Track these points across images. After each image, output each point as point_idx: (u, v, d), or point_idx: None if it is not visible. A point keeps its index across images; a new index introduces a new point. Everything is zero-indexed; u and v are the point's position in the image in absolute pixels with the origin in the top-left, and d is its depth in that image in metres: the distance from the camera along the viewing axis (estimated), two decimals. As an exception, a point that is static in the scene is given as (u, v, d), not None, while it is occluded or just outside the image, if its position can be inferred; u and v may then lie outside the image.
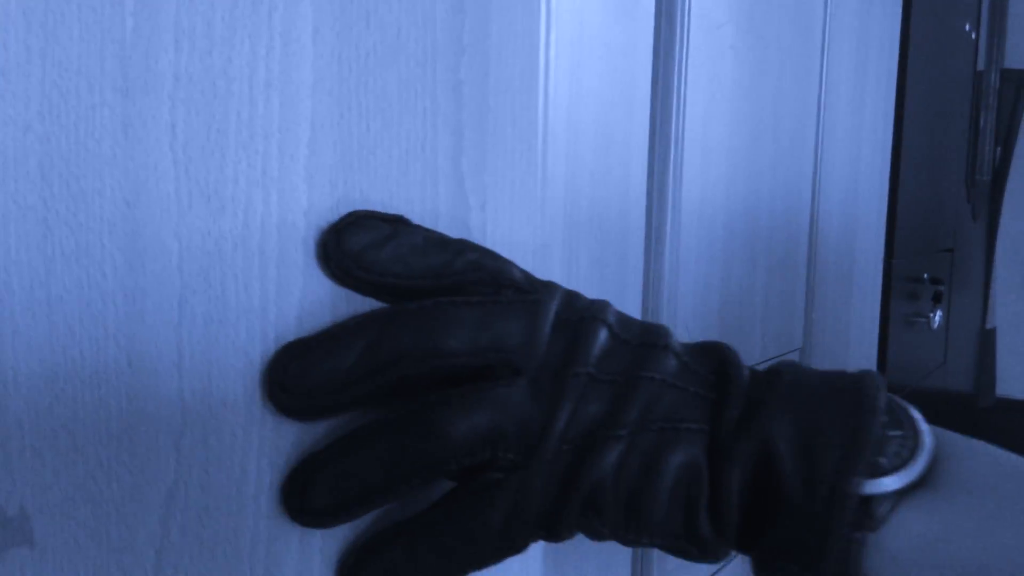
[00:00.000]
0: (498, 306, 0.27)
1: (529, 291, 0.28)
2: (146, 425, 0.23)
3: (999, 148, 1.62)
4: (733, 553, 0.29)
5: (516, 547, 0.27)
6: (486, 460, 0.26)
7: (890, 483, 0.26)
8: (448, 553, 0.26)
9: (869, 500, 0.26)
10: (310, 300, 0.25)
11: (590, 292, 0.30)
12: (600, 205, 0.50)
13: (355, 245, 0.26)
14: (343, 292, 0.26)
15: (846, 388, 0.27)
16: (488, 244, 0.30)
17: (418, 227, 0.28)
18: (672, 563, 0.62)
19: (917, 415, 0.28)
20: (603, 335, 0.28)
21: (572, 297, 0.29)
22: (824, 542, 0.26)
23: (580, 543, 0.33)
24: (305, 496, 0.25)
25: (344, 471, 0.25)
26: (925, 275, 1.26)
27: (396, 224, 0.27)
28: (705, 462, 0.27)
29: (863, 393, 0.27)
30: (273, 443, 0.25)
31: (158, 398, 0.23)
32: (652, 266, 0.55)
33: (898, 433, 0.27)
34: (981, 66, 1.51)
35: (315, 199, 0.25)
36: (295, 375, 0.25)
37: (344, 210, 0.26)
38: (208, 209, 0.23)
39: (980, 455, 0.28)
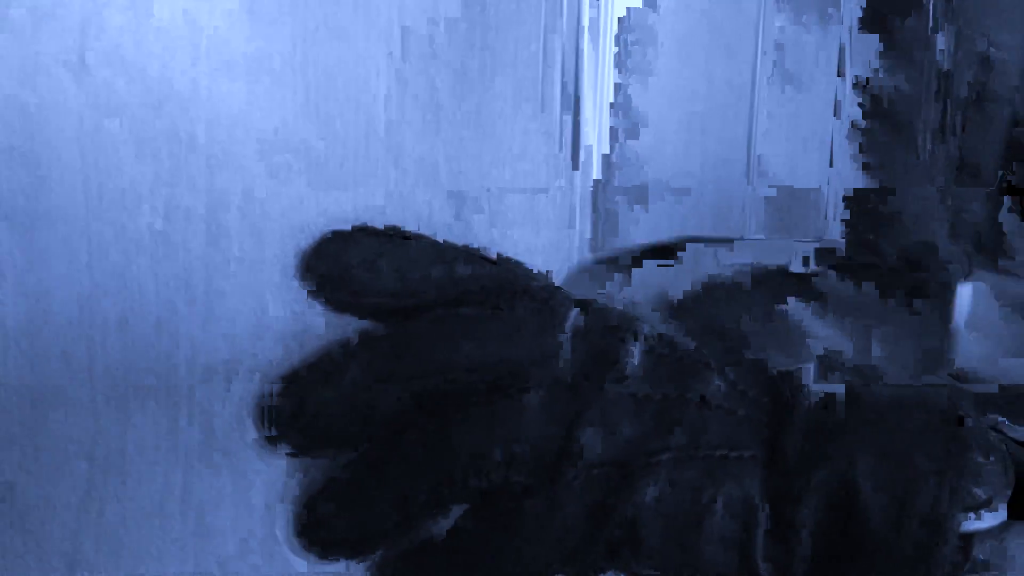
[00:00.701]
0: (506, 317, 0.25)
1: (546, 299, 0.26)
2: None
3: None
4: None
5: None
6: (496, 485, 0.24)
7: (989, 518, 0.25)
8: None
9: (970, 538, 0.25)
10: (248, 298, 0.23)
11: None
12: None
13: (336, 267, 0.24)
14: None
15: (928, 406, 0.26)
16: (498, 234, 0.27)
17: (415, 236, 0.25)
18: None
19: (995, 435, 0.26)
20: (636, 348, 0.26)
21: (600, 306, 0.27)
22: None
23: None
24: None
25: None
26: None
27: (388, 236, 0.25)
28: (762, 498, 0.25)
29: (951, 412, 0.25)
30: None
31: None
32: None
33: (989, 463, 0.25)
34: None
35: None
36: (289, 410, 0.23)
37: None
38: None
39: None
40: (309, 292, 0.23)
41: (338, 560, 0.25)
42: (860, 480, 0.24)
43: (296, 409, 0.23)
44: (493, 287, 0.26)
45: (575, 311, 0.25)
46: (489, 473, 0.24)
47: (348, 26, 0.24)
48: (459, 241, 0.27)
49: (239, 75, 0.24)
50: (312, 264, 0.23)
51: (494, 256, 0.26)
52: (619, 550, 0.25)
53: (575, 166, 0.31)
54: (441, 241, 0.26)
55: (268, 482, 0.26)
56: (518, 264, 0.26)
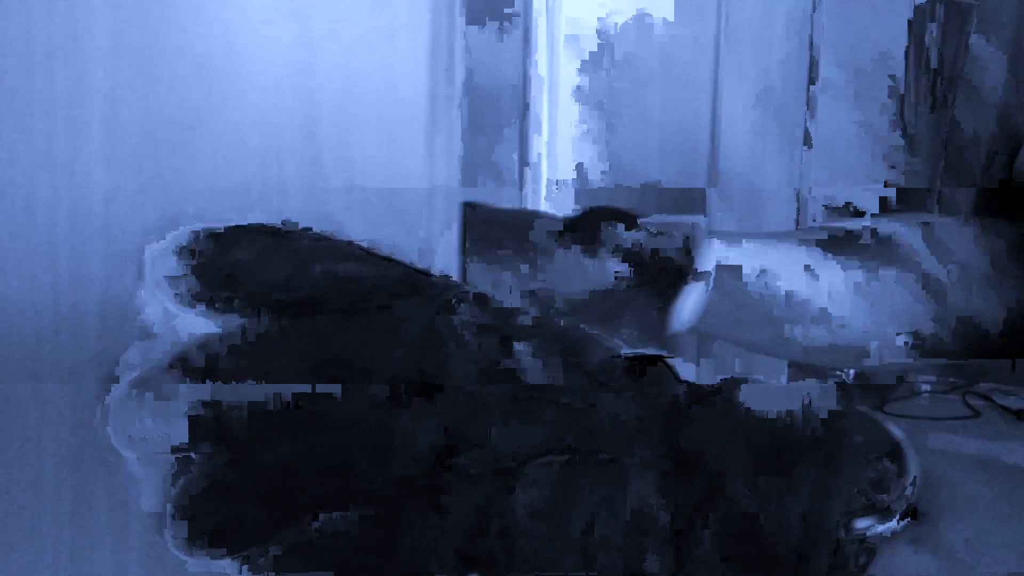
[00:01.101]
0: (386, 316, 0.24)
1: (431, 298, 0.25)
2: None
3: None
4: None
5: None
6: (368, 489, 0.23)
7: (874, 523, 0.24)
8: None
9: (859, 541, 0.24)
10: (112, 293, 0.23)
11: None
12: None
13: (177, 271, 0.23)
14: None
15: (813, 406, 0.25)
16: (359, 221, 0.27)
17: (268, 231, 0.24)
18: None
19: (903, 440, 0.25)
20: (524, 348, 0.25)
21: (489, 306, 0.25)
22: None
23: None
24: None
25: None
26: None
27: (239, 235, 0.24)
28: (659, 499, 0.24)
29: (840, 414, 0.25)
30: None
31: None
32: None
33: (882, 464, 0.25)
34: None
35: (116, 183, 0.23)
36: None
37: (154, 193, 0.23)
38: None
39: (968, 474, 0.27)
40: (192, 290, 0.23)
41: (214, 556, 0.24)
42: (750, 487, 0.24)
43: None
44: (378, 285, 0.25)
45: (463, 309, 0.24)
46: (361, 478, 0.23)
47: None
48: (359, 238, 0.27)
49: None
50: (190, 264, 0.23)
51: (387, 254, 0.25)
52: (497, 558, 0.24)
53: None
54: (330, 238, 0.25)
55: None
56: (408, 265, 0.25)
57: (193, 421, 0.23)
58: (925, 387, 1.65)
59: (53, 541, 0.23)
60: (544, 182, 0.60)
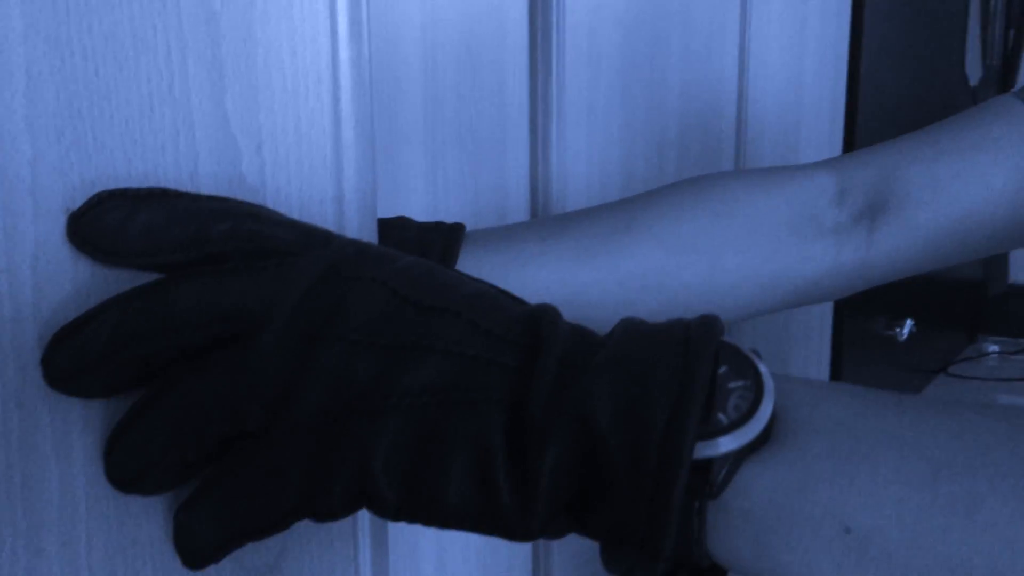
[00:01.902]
0: (240, 272, 0.25)
1: (293, 253, 0.26)
2: None
3: (1012, 30, 1.41)
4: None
5: (282, 525, 0.26)
6: (231, 432, 0.25)
7: (729, 442, 0.24)
8: (220, 512, 0.26)
9: (708, 464, 0.24)
10: (45, 247, 0.26)
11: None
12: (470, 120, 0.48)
13: (93, 229, 0.25)
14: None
15: (675, 339, 0.25)
16: (271, 186, 0.29)
17: (176, 196, 0.26)
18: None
19: (760, 363, 0.25)
20: (379, 297, 0.25)
21: (357, 256, 0.26)
22: (659, 519, 0.23)
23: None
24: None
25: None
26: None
27: (146, 198, 0.26)
28: (501, 439, 0.24)
29: (690, 343, 0.25)
30: (19, 386, 0.26)
31: None
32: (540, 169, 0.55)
33: (740, 384, 0.25)
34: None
35: (41, 149, 0.25)
36: (52, 361, 0.25)
37: (78, 160, 0.26)
38: (-83, 162, 0.24)
39: (834, 396, 0.26)
40: (82, 252, 0.25)
41: (137, 493, 0.26)
42: (599, 417, 0.24)
43: (58, 360, 0.25)
44: (247, 246, 0.26)
45: (319, 264, 0.25)
46: (220, 422, 0.24)
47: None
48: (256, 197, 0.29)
49: None
50: (72, 228, 0.25)
51: (251, 209, 0.26)
52: (355, 501, 0.25)
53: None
54: (232, 200, 0.26)
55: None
56: (276, 218, 0.26)
57: (78, 372, 0.25)
58: (993, 348, 1.61)
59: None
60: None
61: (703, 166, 0.76)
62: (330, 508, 0.25)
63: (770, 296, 0.48)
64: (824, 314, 1.05)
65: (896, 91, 1.09)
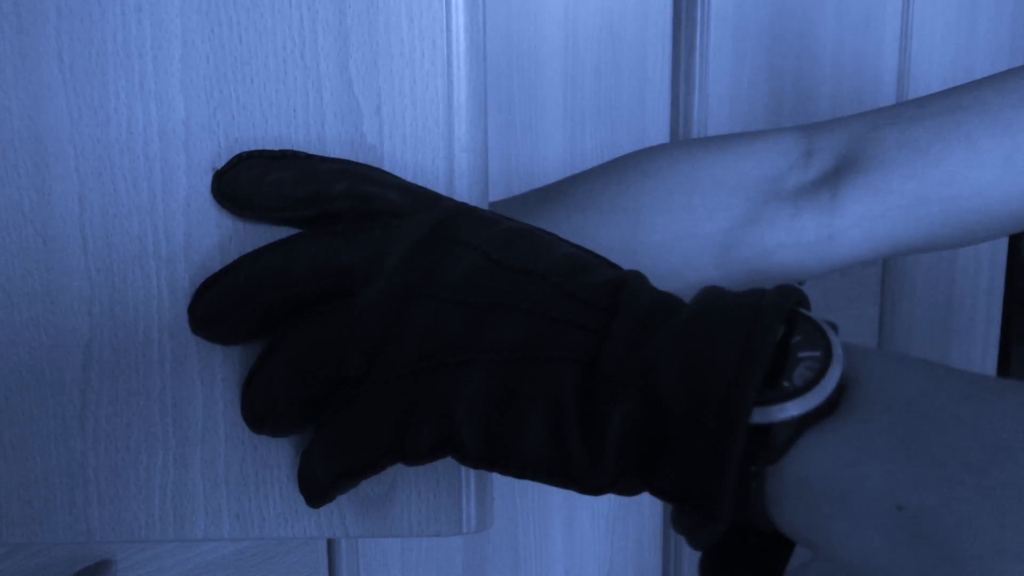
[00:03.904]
0: (350, 234, 0.28)
1: (403, 215, 0.28)
2: (61, 292, 0.29)
3: None
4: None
5: (378, 466, 0.28)
6: (337, 377, 0.27)
7: (791, 408, 0.24)
8: (324, 453, 0.28)
9: (768, 429, 0.24)
10: (195, 197, 0.29)
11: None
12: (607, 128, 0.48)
13: (233, 185, 0.28)
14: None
15: (746, 306, 0.25)
16: (387, 145, 0.31)
17: (305, 158, 0.29)
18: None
19: (833, 335, 0.25)
20: (472, 259, 0.27)
21: (458, 219, 0.28)
22: (716, 480, 0.24)
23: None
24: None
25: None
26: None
27: (279, 159, 0.28)
28: (575, 396, 0.25)
29: (761, 310, 0.24)
30: (172, 319, 0.30)
31: (69, 271, 0.29)
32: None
33: (811, 354, 0.24)
34: None
35: (192, 108, 0.29)
36: (196, 306, 0.29)
37: (224, 118, 0.29)
38: (95, 120, 0.28)
39: (906, 373, 0.25)
40: (222, 206, 0.29)
41: (266, 431, 0.29)
42: (664, 379, 0.24)
43: (199, 310, 0.29)
44: (359, 206, 0.28)
45: (420, 227, 0.27)
46: (327, 366, 0.27)
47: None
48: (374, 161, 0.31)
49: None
50: (215, 185, 0.28)
51: (367, 172, 0.28)
52: (444, 445, 0.26)
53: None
54: (329, 160, 0.28)
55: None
56: (388, 181, 0.28)
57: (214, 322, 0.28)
58: None
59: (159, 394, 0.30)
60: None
61: None
62: (417, 451, 0.27)
63: (712, 261, 0.42)
64: (992, 304, 0.95)
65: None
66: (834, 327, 0.25)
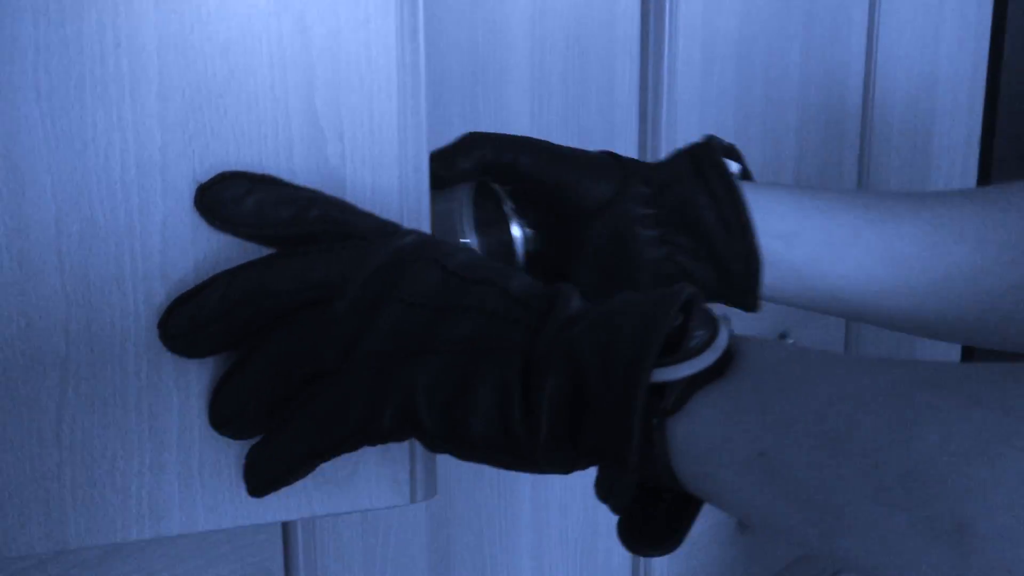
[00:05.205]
0: (326, 252, 0.31)
1: (367, 238, 0.32)
2: (37, 311, 0.30)
3: None
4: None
5: (345, 446, 0.31)
6: (313, 370, 0.31)
7: (683, 369, 0.28)
8: (295, 438, 0.32)
9: (663, 387, 0.28)
10: (172, 219, 0.31)
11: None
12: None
13: (216, 200, 0.31)
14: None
15: (649, 298, 0.29)
16: (349, 168, 0.35)
17: (282, 184, 0.32)
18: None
19: (720, 320, 0.30)
20: (432, 271, 0.31)
21: (418, 243, 0.32)
22: (625, 432, 0.27)
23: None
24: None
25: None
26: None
27: (259, 181, 0.32)
28: (518, 378, 0.29)
29: (661, 299, 0.29)
30: (148, 333, 0.32)
31: (45, 293, 0.30)
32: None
33: (703, 332, 0.29)
34: None
35: (168, 137, 0.31)
36: (169, 321, 0.31)
37: (197, 146, 0.31)
38: (72, 149, 0.29)
39: (775, 347, 0.29)
40: (203, 218, 0.31)
41: (229, 432, 0.32)
42: (582, 354, 0.28)
43: (173, 323, 0.31)
44: (334, 230, 0.32)
45: (389, 247, 0.31)
46: (305, 362, 0.30)
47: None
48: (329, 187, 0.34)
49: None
50: (198, 197, 0.31)
51: (341, 203, 0.32)
52: (403, 426, 0.30)
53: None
54: (304, 189, 0.32)
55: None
56: (359, 211, 0.32)
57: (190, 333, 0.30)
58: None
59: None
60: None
61: (823, 158, 0.73)
62: (381, 431, 0.30)
63: None
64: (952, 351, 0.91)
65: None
66: (726, 319, 0.30)
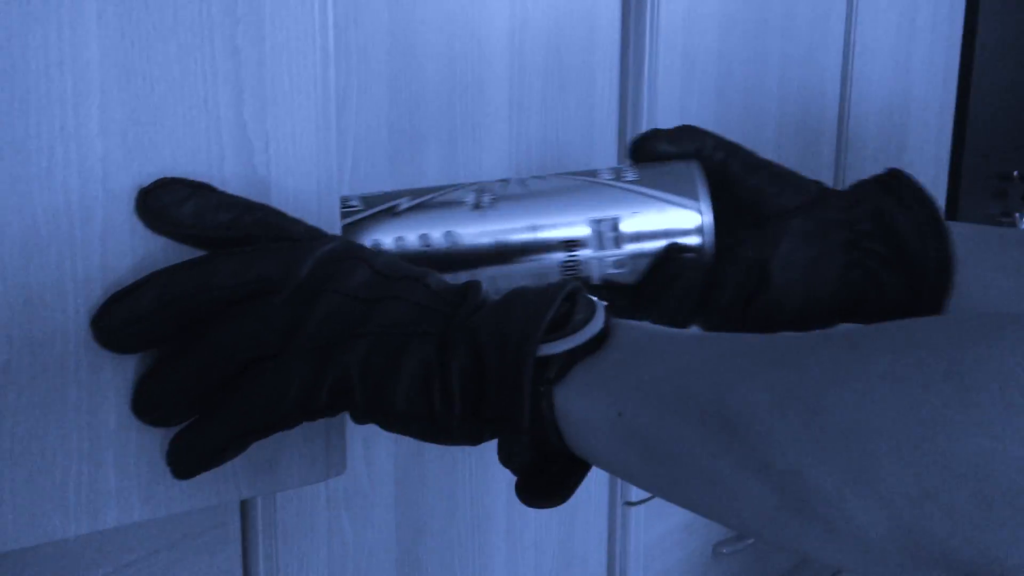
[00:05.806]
0: (264, 251, 0.34)
1: (300, 239, 0.35)
2: (-21, 321, 0.31)
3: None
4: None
5: (285, 422, 0.33)
6: (254, 355, 0.33)
7: (563, 344, 0.32)
8: (235, 417, 0.34)
9: (548, 360, 0.31)
10: (111, 226, 0.33)
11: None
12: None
13: (157, 203, 0.33)
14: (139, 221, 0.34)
15: (539, 289, 0.33)
16: (275, 175, 0.37)
17: (218, 192, 0.34)
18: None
19: (601, 304, 0.34)
20: (362, 270, 0.34)
21: (348, 246, 0.35)
22: (518, 398, 0.31)
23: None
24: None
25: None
26: (1016, 172, 1.09)
27: (198, 188, 0.34)
28: (435, 358, 0.32)
29: (551, 286, 0.33)
30: (87, 334, 0.33)
31: (-13, 302, 0.31)
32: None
33: (584, 315, 0.33)
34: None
35: (109, 147, 0.32)
36: (104, 317, 0.33)
37: (138, 156, 0.33)
38: (16, 159, 0.30)
39: (648, 329, 0.33)
40: (143, 221, 0.33)
41: (154, 419, 0.34)
42: (482, 334, 0.32)
43: (107, 318, 0.32)
44: (269, 233, 0.35)
45: (322, 247, 0.34)
46: (247, 347, 0.33)
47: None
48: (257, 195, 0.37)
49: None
50: (140, 200, 0.33)
51: (274, 210, 0.35)
52: (337, 401, 0.34)
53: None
54: (237, 196, 0.35)
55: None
56: (290, 218, 0.35)
57: (127, 327, 0.32)
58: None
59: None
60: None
61: (800, 171, 0.75)
62: (318, 407, 0.33)
63: None
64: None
65: (1013, 92, 1.00)
66: (607, 306, 0.35)
